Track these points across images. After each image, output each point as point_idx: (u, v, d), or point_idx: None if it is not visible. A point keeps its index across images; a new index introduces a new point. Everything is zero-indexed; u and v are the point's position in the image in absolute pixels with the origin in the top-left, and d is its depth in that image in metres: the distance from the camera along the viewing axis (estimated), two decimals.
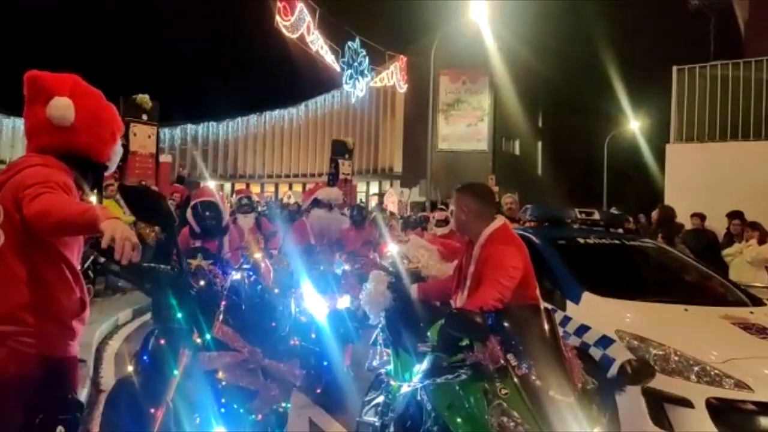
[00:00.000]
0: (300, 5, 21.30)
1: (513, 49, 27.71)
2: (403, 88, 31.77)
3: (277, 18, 20.34)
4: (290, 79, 29.74)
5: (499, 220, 3.06)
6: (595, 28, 27.83)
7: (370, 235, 8.96)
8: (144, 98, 12.07)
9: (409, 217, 12.08)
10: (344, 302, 5.07)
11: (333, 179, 18.00)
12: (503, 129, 31.90)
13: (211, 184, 37.05)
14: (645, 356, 3.67)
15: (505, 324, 2.25)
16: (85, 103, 2.14)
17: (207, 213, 4.88)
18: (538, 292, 3.01)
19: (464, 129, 31.44)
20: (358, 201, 24.50)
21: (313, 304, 4.65)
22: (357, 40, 27.02)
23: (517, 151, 34.20)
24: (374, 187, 36.15)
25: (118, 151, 2.32)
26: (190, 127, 39.80)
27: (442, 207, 11.99)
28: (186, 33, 34.27)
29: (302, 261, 5.27)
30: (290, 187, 34.59)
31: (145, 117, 12.30)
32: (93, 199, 2.42)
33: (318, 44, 23.37)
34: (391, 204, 23.41)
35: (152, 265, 1.67)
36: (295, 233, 6.96)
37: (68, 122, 2.08)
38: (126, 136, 12.12)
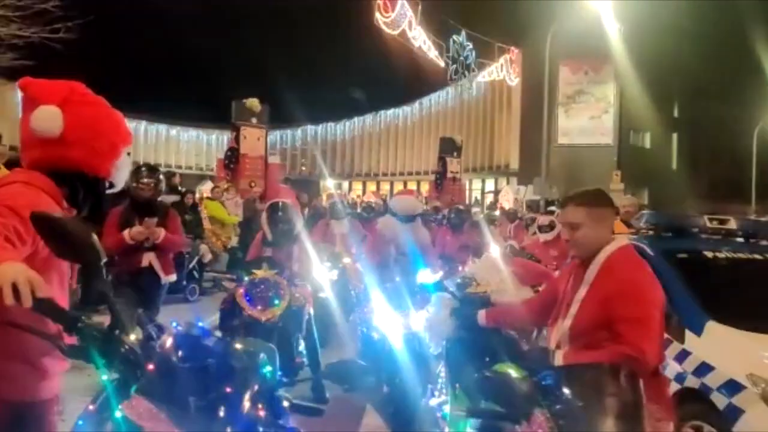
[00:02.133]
0: (401, 1, 20.99)
1: (639, 33, 25.39)
2: (514, 81, 30.43)
3: (377, 15, 20.22)
4: (393, 78, 29.61)
5: (622, 239, 2.50)
6: (738, 4, 24.58)
7: (470, 239, 8.41)
8: (253, 102, 12.43)
9: (519, 217, 11.27)
10: (419, 320, 4.64)
11: (440, 177, 17.58)
12: (631, 121, 29.46)
13: (329, 183, 38.31)
14: None
15: (566, 391, 1.70)
16: (78, 113, 1.92)
17: (280, 214, 4.72)
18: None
19: (586, 122, 29.46)
20: (469, 200, 23.83)
21: (385, 321, 4.28)
22: (463, 33, 26.22)
23: (647, 145, 31.47)
24: (490, 185, 35.14)
25: (123, 164, 2.07)
26: (310, 128, 41.28)
27: (550, 210, 11.08)
28: (301, 36, 35.48)
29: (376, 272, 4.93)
30: (405, 185, 34.56)
31: (254, 120, 12.67)
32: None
33: (420, 39, 22.96)
34: (507, 202, 22.42)
35: (79, 315, 1.36)
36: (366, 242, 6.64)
37: (54, 134, 1.86)
38: (237, 139, 12.56)
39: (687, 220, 5.14)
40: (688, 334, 3.64)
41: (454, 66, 26.45)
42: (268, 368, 1.45)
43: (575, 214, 2.41)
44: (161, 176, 4.57)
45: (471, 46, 26.85)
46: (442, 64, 25.71)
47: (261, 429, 1.36)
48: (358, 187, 39.79)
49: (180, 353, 1.29)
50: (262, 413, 1.32)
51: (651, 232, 5.10)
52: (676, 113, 32.37)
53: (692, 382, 3.43)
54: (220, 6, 34.45)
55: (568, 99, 29.60)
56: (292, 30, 37.57)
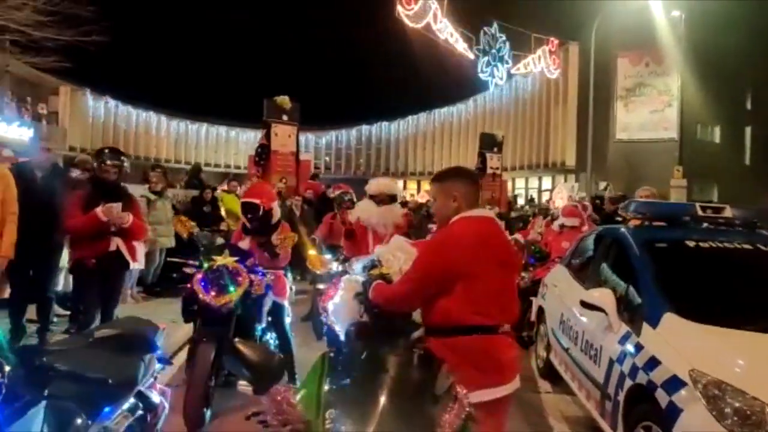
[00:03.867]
0: None
1: (704, 20, 23.84)
2: (554, 73, 29.32)
3: (398, 7, 19.95)
4: (445, 75, 29.16)
5: (475, 211, 2.63)
6: None
7: None
8: (284, 99, 12.61)
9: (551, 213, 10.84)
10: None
11: (480, 174, 17.21)
12: (698, 114, 27.69)
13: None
14: (722, 409, 2.58)
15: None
16: None
17: (249, 215, 4.72)
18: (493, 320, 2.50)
19: (647, 116, 28.00)
20: (526, 198, 23.16)
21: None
22: (495, 24, 25.46)
23: (716, 139, 29.53)
24: (546, 183, 34.12)
25: None
26: (365, 128, 41.59)
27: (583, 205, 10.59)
28: (354, 36, 35.71)
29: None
30: None
31: (285, 117, 12.85)
32: None
33: (447, 32, 22.48)
34: (560, 200, 21.64)
35: None
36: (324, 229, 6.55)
37: None
38: (267, 136, 12.79)
39: (680, 209, 4.76)
40: (645, 327, 3.36)
41: (485, 59, 25.70)
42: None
43: (431, 189, 2.77)
44: (125, 160, 4.64)
45: (504, 38, 26.02)
46: (471, 56, 25.02)
47: None
48: (412, 186, 39.65)
49: None
50: None
51: (640, 222, 4.80)
52: (749, 105, 30.21)
53: (641, 378, 3.16)
54: (268, 8, 35.16)
55: (628, 92, 28.25)
56: (346, 30, 37.92)
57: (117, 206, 4.37)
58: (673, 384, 2.86)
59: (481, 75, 26.68)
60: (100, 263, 4.38)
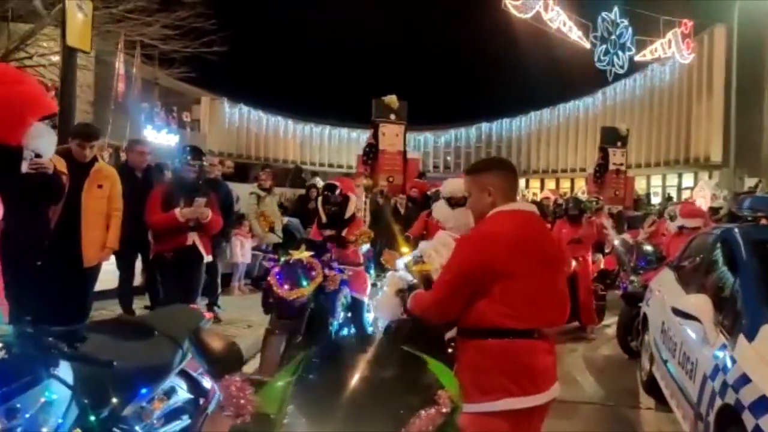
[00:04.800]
0: None
1: None
2: (687, 58, 26.38)
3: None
4: (570, 68, 27.46)
5: (513, 205, 2.41)
6: None
7: (587, 232, 7.65)
8: (392, 99, 12.74)
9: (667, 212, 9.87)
10: None
11: (601, 170, 16.11)
12: None
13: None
14: None
15: None
16: None
17: (331, 196, 4.81)
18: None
19: None
20: (641, 195, 21.34)
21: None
22: (615, 9, 23.35)
23: None
24: (688, 180, 31.17)
25: (39, 133, 2.34)
26: (484, 125, 40.85)
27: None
28: (471, 32, 35.11)
29: None
30: (587, 182, 32.35)
31: (393, 117, 12.97)
32: None
33: (559, 21, 21.05)
34: (702, 198, 19.69)
35: None
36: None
37: None
38: (375, 136, 13.00)
39: None
40: (741, 339, 2.91)
41: (603, 46, 23.66)
42: None
43: (465, 183, 2.53)
44: (204, 159, 4.92)
45: (626, 23, 23.80)
46: (587, 45, 23.21)
47: None
48: (535, 184, 38.24)
49: None
50: None
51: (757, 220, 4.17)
52: None
53: (730, 397, 2.73)
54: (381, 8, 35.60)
55: None
56: (462, 28, 37.52)
57: (201, 202, 4.64)
58: (762, 406, 2.44)
59: (598, 64, 24.73)
60: (177, 257, 4.69)
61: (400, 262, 2.85)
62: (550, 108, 38.69)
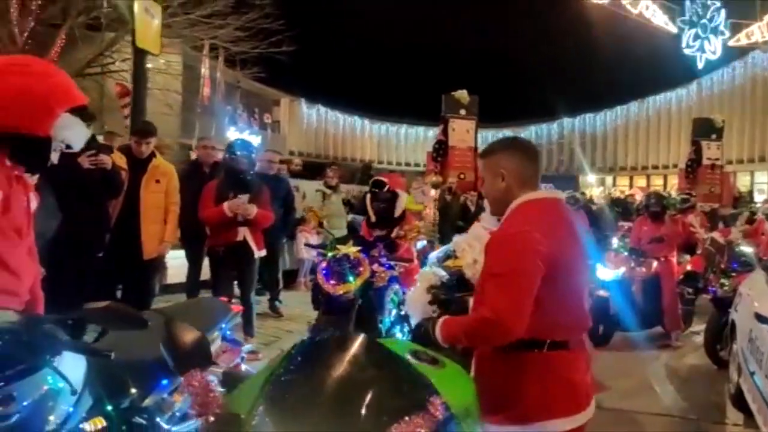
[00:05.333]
0: None
1: None
2: None
3: None
4: (658, 58, 25.62)
5: (539, 193, 2.06)
6: None
7: (670, 230, 7.06)
8: (462, 94, 12.47)
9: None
10: None
11: (693, 165, 14.95)
12: None
13: (591, 178, 35.85)
14: None
15: None
16: (11, 81, 2.24)
17: (380, 193, 4.67)
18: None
19: None
20: (744, 192, 19.57)
21: None
22: None
23: None
24: None
25: (67, 124, 2.35)
26: (566, 121, 39.27)
27: None
28: (545, 23, 33.72)
29: None
30: (678, 177, 30.29)
31: (463, 112, 12.68)
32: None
33: (642, 5, 19.52)
34: None
35: None
36: None
37: None
38: (445, 132, 12.77)
39: None
40: None
41: (693, 31, 21.69)
42: None
43: (479, 168, 2.20)
44: (253, 151, 4.92)
45: (718, 4, 21.74)
46: (673, 30, 21.40)
47: None
48: (623, 182, 36.30)
49: None
50: None
51: None
52: None
53: None
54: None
55: None
56: (538, 18, 36.18)
57: (243, 199, 4.65)
58: None
59: (686, 51, 22.79)
60: (228, 252, 4.73)
61: (432, 257, 2.67)
62: (638, 101, 36.58)
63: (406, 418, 1.33)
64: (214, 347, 2.60)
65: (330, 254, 4.41)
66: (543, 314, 1.88)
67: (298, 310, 6.93)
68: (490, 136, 35.37)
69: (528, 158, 2.09)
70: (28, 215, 2.42)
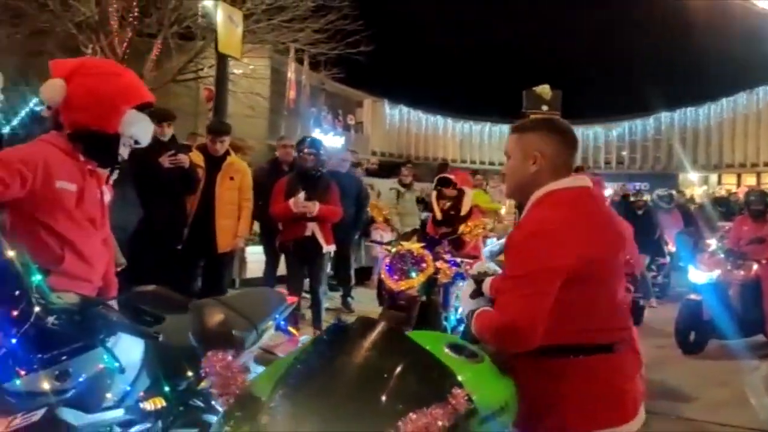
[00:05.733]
0: None
1: None
2: None
3: None
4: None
5: (564, 181, 1.84)
6: None
7: None
8: (544, 89, 12.06)
9: None
10: None
11: None
12: None
13: (692, 176, 33.51)
14: None
15: None
16: (81, 83, 2.42)
17: (441, 187, 4.63)
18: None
19: None
20: None
21: None
22: None
23: None
24: None
25: (133, 120, 2.50)
26: (664, 115, 36.94)
27: None
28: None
29: None
30: None
31: (545, 108, 12.27)
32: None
33: None
34: None
35: None
36: None
37: (56, 102, 2.41)
38: None
39: None
40: None
41: None
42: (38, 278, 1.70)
43: (507, 143, 1.95)
44: (321, 148, 5.00)
45: None
46: None
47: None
48: (730, 180, 33.64)
49: None
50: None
51: None
52: None
53: None
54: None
55: None
56: (632, 5, 34.18)
57: (300, 197, 4.73)
58: None
59: None
60: (298, 246, 4.84)
61: (486, 251, 2.59)
62: (746, 91, 33.70)
63: (425, 407, 1.30)
64: (267, 336, 2.68)
65: (393, 250, 4.42)
66: (576, 317, 1.75)
67: (369, 307, 6.98)
68: (579, 132, 34.02)
69: (566, 144, 1.87)
70: (102, 207, 2.60)
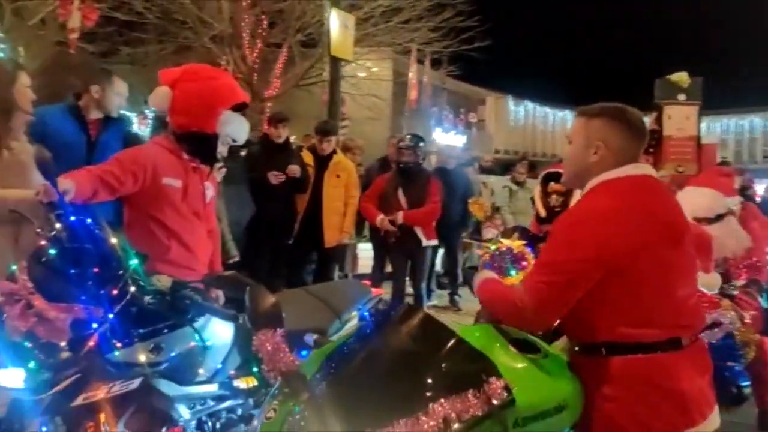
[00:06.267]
0: None
1: None
2: None
3: None
4: None
5: (617, 170, 1.76)
6: None
7: None
8: (681, 76, 10.96)
9: None
10: None
11: None
12: None
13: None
14: None
15: None
16: (183, 88, 2.67)
17: (547, 183, 4.44)
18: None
19: None
20: None
21: None
22: None
23: None
24: None
25: (229, 120, 2.71)
26: None
27: None
28: None
29: None
30: None
31: (682, 97, 11.21)
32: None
33: None
34: None
35: None
36: None
37: (162, 108, 2.69)
38: (659, 120, 11.49)
39: None
40: None
41: None
42: (135, 262, 1.90)
43: (571, 127, 1.90)
44: (422, 144, 4.99)
45: None
46: None
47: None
48: None
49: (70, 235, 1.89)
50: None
51: None
52: None
53: None
54: None
55: None
56: None
57: (385, 219, 4.86)
58: None
59: None
60: (400, 241, 4.89)
61: None
62: None
63: (457, 394, 1.31)
64: (350, 326, 2.77)
65: (493, 247, 4.32)
66: (626, 313, 1.66)
67: (478, 306, 6.90)
68: (732, 124, 30.83)
69: (634, 136, 1.78)
70: (204, 201, 2.86)
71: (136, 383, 1.95)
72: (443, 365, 1.39)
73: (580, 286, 1.64)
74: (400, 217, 4.85)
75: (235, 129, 2.75)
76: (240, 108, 2.81)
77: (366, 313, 2.92)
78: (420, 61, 15.87)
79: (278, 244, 4.95)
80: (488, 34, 12.56)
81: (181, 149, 2.71)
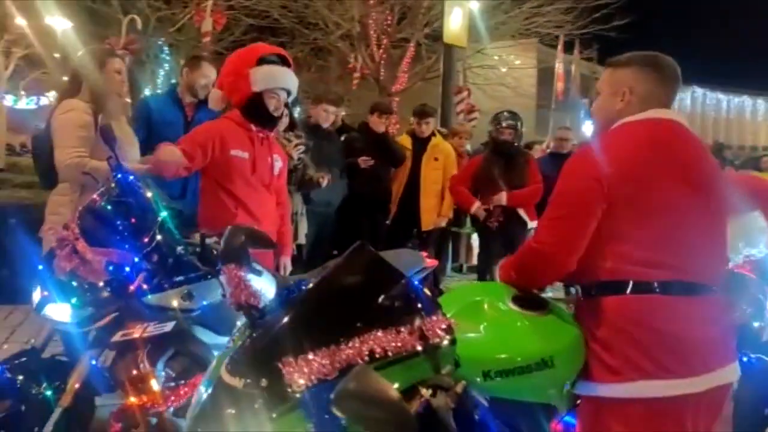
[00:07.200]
0: None
1: None
2: None
3: None
4: None
5: (650, 112, 1.68)
6: None
7: None
8: None
9: None
10: None
11: None
12: None
13: None
14: None
15: None
16: (222, 80, 2.91)
17: None
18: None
19: None
20: None
21: None
22: None
23: None
24: None
25: (258, 74, 2.78)
26: None
27: None
28: None
29: None
30: None
31: None
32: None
33: None
34: None
35: None
36: None
37: (220, 107, 2.95)
38: None
39: None
40: None
41: None
42: (164, 214, 2.06)
43: (600, 79, 1.82)
44: (519, 120, 4.68)
45: None
46: None
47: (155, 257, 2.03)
48: None
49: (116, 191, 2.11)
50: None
51: None
52: None
53: None
54: None
55: None
56: None
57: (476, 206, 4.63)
58: None
59: None
60: (502, 223, 4.62)
61: None
62: None
63: (390, 329, 1.27)
64: None
65: None
66: (632, 248, 1.58)
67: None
68: None
69: (662, 80, 1.70)
70: (272, 172, 3.00)
71: (169, 326, 2.12)
72: (381, 301, 1.35)
73: (591, 212, 1.58)
74: (504, 198, 4.59)
75: (265, 78, 2.80)
76: (268, 62, 2.86)
77: (417, 282, 2.88)
78: (568, 50, 15.09)
79: (376, 222, 5.01)
80: (624, 10, 11.49)
81: (248, 122, 2.89)
